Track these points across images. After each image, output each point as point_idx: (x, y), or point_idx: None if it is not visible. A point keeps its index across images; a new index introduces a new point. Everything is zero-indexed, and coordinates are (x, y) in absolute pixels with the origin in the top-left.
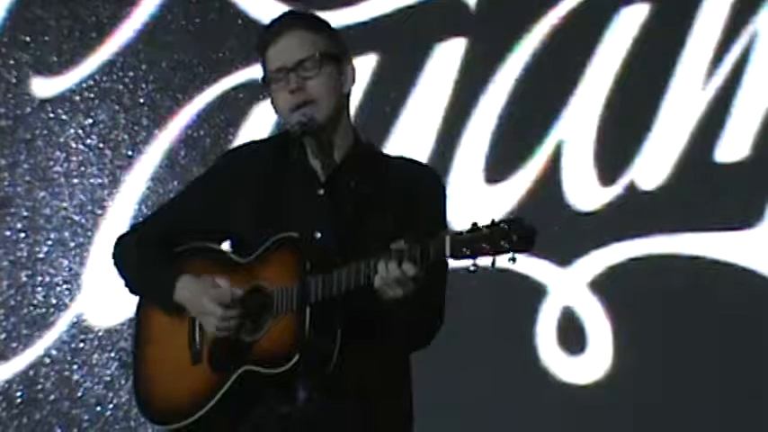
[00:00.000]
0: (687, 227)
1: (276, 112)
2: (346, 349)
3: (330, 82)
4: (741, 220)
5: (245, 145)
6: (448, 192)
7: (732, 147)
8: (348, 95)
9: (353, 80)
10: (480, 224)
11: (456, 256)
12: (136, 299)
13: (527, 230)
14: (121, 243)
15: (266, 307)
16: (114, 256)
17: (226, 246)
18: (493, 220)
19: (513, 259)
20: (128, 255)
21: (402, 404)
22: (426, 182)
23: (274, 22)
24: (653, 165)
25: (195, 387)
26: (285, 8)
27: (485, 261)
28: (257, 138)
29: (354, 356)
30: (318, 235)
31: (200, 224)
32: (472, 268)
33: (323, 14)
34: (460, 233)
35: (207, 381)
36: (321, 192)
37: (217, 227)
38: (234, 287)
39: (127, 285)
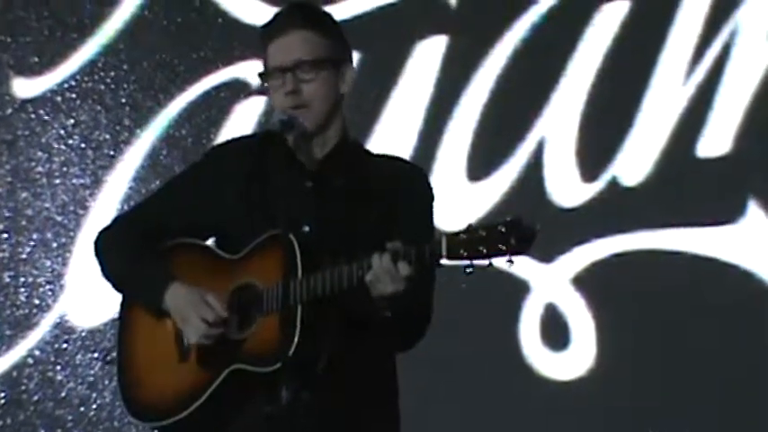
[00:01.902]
0: (669, 222)
1: (271, 103)
2: (336, 349)
3: (326, 86)
4: (723, 215)
5: (230, 141)
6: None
7: (713, 142)
8: (342, 96)
9: (351, 81)
10: (477, 226)
11: (452, 258)
12: (119, 297)
13: (525, 232)
14: (104, 236)
15: (256, 304)
16: (97, 249)
17: (211, 242)
18: (490, 223)
19: (511, 261)
20: (112, 250)
21: (388, 403)
22: (413, 179)
23: (279, 15)
24: (635, 161)
25: (183, 385)
26: (266, 7)
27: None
28: (241, 135)
29: (342, 356)
30: (306, 229)
31: (185, 218)
32: (469, 270)
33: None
34: (457, 234)
35: (195, 379)
36: (309, 184)
37: (203, 221)
38: (220, 290)
39: (109, 281)
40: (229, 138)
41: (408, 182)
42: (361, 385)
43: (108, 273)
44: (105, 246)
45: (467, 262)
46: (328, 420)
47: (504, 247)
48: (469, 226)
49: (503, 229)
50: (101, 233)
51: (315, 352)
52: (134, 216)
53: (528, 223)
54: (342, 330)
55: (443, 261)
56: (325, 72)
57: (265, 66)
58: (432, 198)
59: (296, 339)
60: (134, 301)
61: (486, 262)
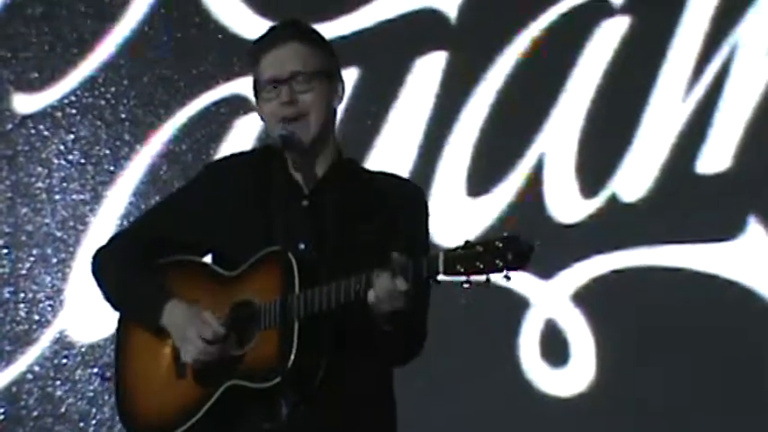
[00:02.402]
0: (669, 239)
1: (262, 120)
2: (333, 364)
3: (321, 98)
4: (723, 231)
5: (226, 157)
6: (430, 205)
7: (713, 158)
8: (335, 111)
9: (342, 97)
10: (474, 241)
11: (449, 274)
12: (117, 314)
13: (522, 248)
14: (101, 256)
15: (253, 320)
16: (94, 269)
17: (208, 259)
18: (488, 239)
19: (508, 278)
20: (109, 269)
21: (386, 418)
22: (409, 196)
23: (271, 30)
24: (634, 177)
25: (180, 401)
26: (266, 23)
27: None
28: (239, 151)
29: (339, 371)
30: (302, 246)
31: (181, 235)
32: (466, 285)
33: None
34: (454, 250)
35: (192, 395)
36: (305, 203)
37: (199, 238)
38: (217, 306)
39: (107, 300)
40: (227, 154)
41: (404, 198)
42: (359, 400)
43: (106, 292)
44: (102, 265)
45: (464, 278)
46: None
47: (501, 263)
48: (467, 242)
49: (500, 245)
50: (97, 252)
51: (312, 367)
52: (130, 234)
53: (525, 239)
54: (339, 345)
55: (441, 277)
56: (319, 84)
57: (256, 79)
58: (427, 214)
59: (293, 354)
60: (132, 320)
61: (483, 278)
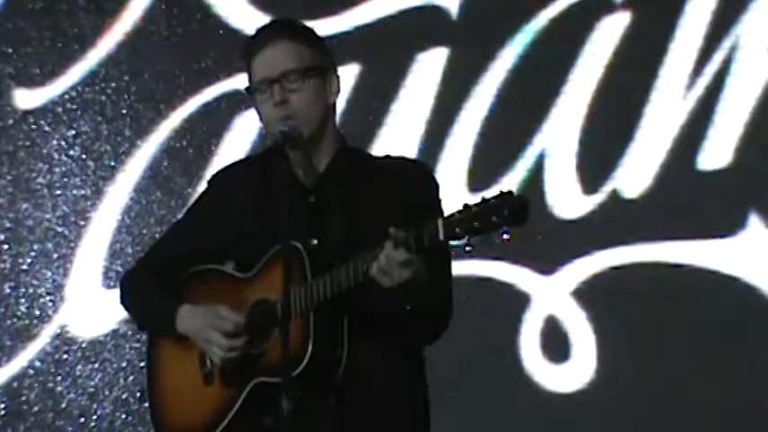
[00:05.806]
0: (670, 235)
1: (260, 120)
2: (349, 357)
3: (314, 95)
4: (724, 227)
5: (229, 166)
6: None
7: (714, 154)
8: (334, 105)
9: (338, 90)
10: (472, 204)
11: (450, 238)
12: (128, 313)
13: (517, 203)
14: (123, 282)
15: (272, 317)
16: (121, 296)
17: (228, 266)
18: (483, 198)
19: (507, 234)
20: (130, 293)
21: (409, 403)
22: (416, 175)
23: (261, 30)
24: (635, 173)
25: (210, 407)
26: (267, 18)
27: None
28: (239, 154)
29: (354, 365)
30: (315, 241)
31: (198, 250)
32: (468, 249)
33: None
34: (452, 215)
35: (221, 399)
36: (311, 199)
37: (217, 246)
38: (236, 309)
39: (136, 323)
40: (230, 162)
41: (411, 178)
42: (382, 391)
43: (131, 313)
44: (125, 293)
45: (464, 241)
46: (329, 425)
47: (497, 220)
48: (465, 205)
49: (495, 203)
50: (123, 276)
51: (333, 355)
52: (150, 256)
53: (521, 194)
54: (355, 339)
55: (444, 241)
56: (312, 81)
57: (251, 80)
58: (436, 190)
59: (311, 343)
60: (154, 333)
61: (484, 239)
